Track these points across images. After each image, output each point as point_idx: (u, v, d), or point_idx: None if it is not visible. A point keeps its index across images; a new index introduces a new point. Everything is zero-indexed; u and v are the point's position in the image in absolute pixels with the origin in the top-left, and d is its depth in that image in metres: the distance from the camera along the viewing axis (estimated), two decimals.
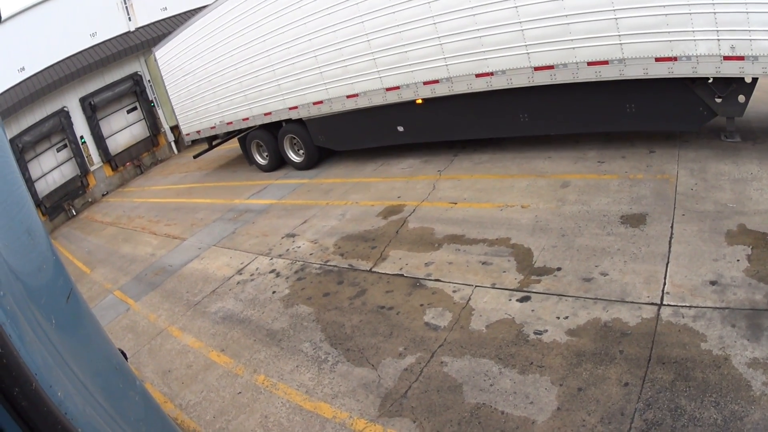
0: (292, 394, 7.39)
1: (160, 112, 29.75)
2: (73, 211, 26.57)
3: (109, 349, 3.12)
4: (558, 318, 7.34)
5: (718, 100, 10.53)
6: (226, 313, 9.94)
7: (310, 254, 11.11)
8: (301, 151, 16.94)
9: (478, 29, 11.45)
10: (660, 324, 6.79)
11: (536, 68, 11.29)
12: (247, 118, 17.44)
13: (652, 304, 7.15)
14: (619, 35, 10.27)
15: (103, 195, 27.82)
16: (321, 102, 14.85)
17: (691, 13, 9.63)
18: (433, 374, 6.95)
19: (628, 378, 6.22)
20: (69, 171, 27.05)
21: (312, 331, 8.53)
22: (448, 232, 10.28)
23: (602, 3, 10.18)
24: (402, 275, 9.31)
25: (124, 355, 7.16)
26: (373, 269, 9.81)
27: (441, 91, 12.57)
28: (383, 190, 13.42)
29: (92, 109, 27.31)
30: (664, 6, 9.79)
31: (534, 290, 8.05)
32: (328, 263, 10.53)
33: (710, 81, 10.39)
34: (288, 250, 11.68)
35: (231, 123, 18.23)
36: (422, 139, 14.22)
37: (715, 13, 9.46)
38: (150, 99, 29.54)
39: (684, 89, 10.60)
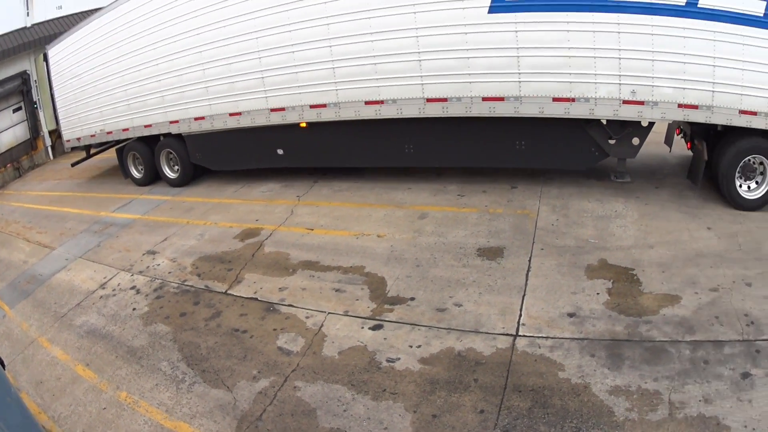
0: (153, 413, 7.71)
1: (41, 115, 29.77)
2: None
3: None
4: (411, 347, 7.89)
5: (612, 142, 11.76)
6: (90, 328, 10.23)
7: (169, 273, 11.55)
8: (177, 168, 17.09)
9: (374, 56, 12.14)
10: (515, 354, 7.54)
11: (429, 100, 12.05)
12: (128, 129, 17.34)
13: (507, 334, 7.93)
14: (519, 73, 11.26)
15: None
16: (203, 118, 15.11)
17: (595, 57, 10.80)
18: (287, 398, 7.43)
19: (483, 405, 6.85)
20: None
21: (170, 351, 8.92)
22: (304, 258, 10.92)
23: (507, 40, 11.15)
24: (256, 299, 9.86)
25: (2, 362, 7.04)
26: (229, 291, 10.33)
27: (327, 116, 13.11)
28: (242, 213, 14.06)
29: None
30: (569, 48, 10.91)
31: (387, 319, 8.61)
32: (185, 283, 10.98)
33: (605, 123, 11.60)
34: (148, 267, 12.08)
35: (111, 132, 18.08)
36: (302, 163, 14.90)
37: (620, 58, 10.69)
38: (34, 100, 29.59)
39: (577, 129, 11.72)
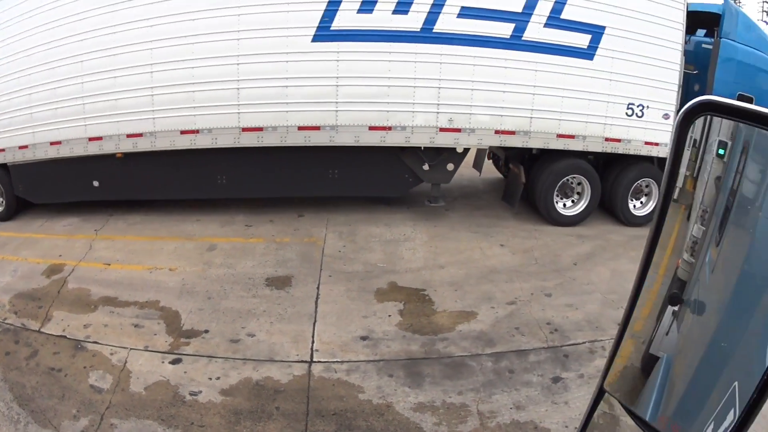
0: None
1: None
2: None
3: None
4: (210, 379, 7.79)
5: (426, 168, 12.03)
6: None
7: None
8: (1, 200, 15.11)
9: (193, 83, 11.55)
10: (313, 379, 7.50)
11: (245, 129, 11.73)
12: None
13: (302, 361, 7.89)
14: (337, 102, 11.31)
15: None
16: (26, 147, 13.72)
17: (415, 87, 11.14)
18: None
19: None
20: None
21: (2, 391, 8.47)
22: (103, 294, 10.64)
23: (328, 69, 11.21)
24: (65, 336, 9.49)
25: None
26: (42, 330, 9.89)
27: (143, 145, 12.28)
28: (48, 248, 13.51)
29: None
30: (389, 78, 11.17)
31: (184, 352, 8.48)
32: (5, 321, 10.44)
33: (422, 150, 11.84)
34: None
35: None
36: (117, 196, 13.80)
37: (440, 88, 11.11)
38: None
39: (391, 157, 11.93)
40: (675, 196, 1.89)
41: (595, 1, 11.45)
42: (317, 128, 11.47)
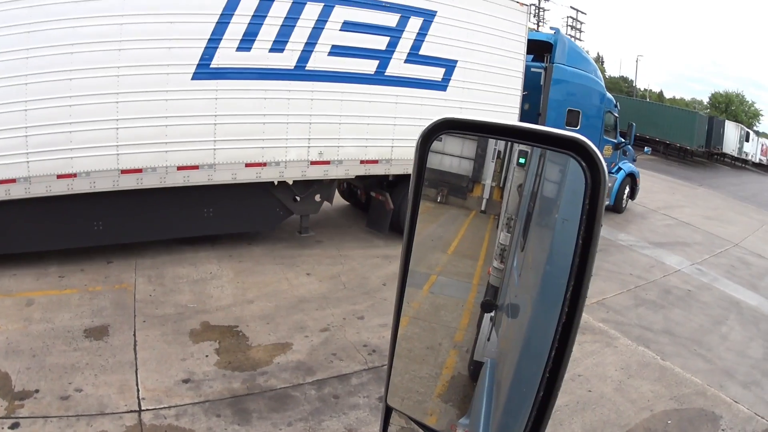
0: None
1: None
2: None
3: None
4: None
5: (296, 200, 12.32)
6: None
7: None
8: None
9: (71, 122, 10.73)
10: (144, 429, 7.28)
11: (124, 171, 11.09)
12: None
13: (132, 411, 7.65)
14: (215, 140, 11.18)
15: None
16: None
17: (288, 123, 11.39)
18: None
19: None
20: None
21: None
22: None
23: (207, 107, 11.10)
24: None
25: None
26: None
27: (17, 192, 11.05)
28: None
29: None
30: (264, 115, 11.27)
31: (21, 415, 7.98)
32: None
33: (291, 183, 12.06)
34: None
35: None
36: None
37: (310, 123, 11.55)
38: None
39: (262, 192, 12.00)
40: (483, 207, 1.99)
41: (449, 37, 12.66)
42: (196, 167, 11.36)
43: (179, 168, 11.31)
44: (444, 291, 2.23)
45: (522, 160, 1.86)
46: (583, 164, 1.48)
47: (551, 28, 18.50)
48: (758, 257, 18.20)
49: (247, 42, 11.34)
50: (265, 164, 11.70)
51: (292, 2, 11.50)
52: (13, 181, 10.88)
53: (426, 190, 1.92)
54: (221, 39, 11.17)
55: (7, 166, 10.81)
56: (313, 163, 11.96)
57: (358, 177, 12.99)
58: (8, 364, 9.15)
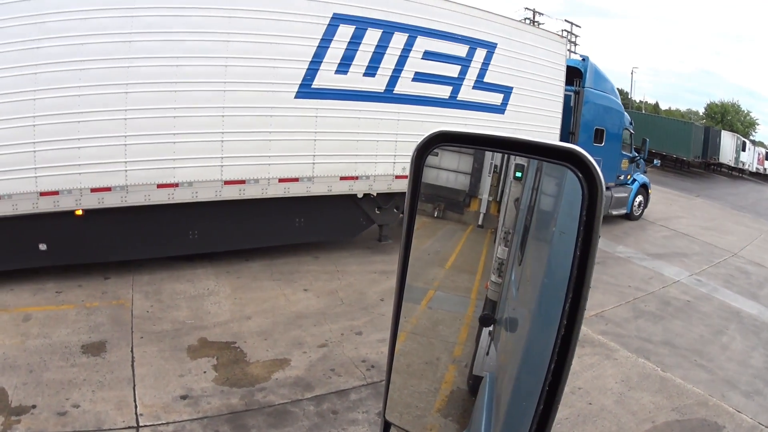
0: None
1: None
2: None
3: None
4: None
5: (378, 211, 13.17)
6: None
7: None
8: None
9: (174, 133, 11.18)
10: None
11: (227, 182, 11.52)
12: None
13: (130, 427, 7.62)
14: (314, 155, 11.86)
15: None
16: None
17: (378, 141, 12.38)
18: None
19: None
20: None
21: None
22: None
23: (308, 124, 11.88)
24: None
25: None
26: None
27: (112, 201, 11.41)
28: None
29: None
30: (358, 133, 12.18)
31: (17, 431, 7.98)
32: None
33: (375, 195, 12.87)
34: None
35: None
36: (68, 260, 12.42)
37: (396, 141, 12.61)
38: None
39: (350, 203, 12.72)
40: (480, 222, 2.00)
41: (506, 66, 13.97)
42: (296, 180, 12.02)
43: (280, 180, 12.04)
44: (442, 306, 2.23)
45: (519, 174, 1.88)
46: (580, 175, 1.48)
47: (581, 56, 20.06)
48: (757, 266, 18.26)
49: (344, 66, 12.19)
50: (357, 178, 12.57)
51: (382, 31, 12.35)
52: (108, 189, 11.22)
53: (423, 205, 1.93)
54: (321, 62, 11.98)
55: (104, 174, 11.23)
56: (397, 177, 12.97)
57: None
58: (5, 380, 9.14)
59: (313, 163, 12.29)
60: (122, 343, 9.78)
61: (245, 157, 11.80)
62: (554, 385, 1.58)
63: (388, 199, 13.54)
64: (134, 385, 8.55)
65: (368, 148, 12.67)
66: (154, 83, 11.04)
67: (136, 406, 8.06)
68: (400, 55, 12.71)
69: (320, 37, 12.00)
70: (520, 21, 16.24)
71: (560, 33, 16.52)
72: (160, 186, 11.41)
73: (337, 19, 12.03)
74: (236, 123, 11.59)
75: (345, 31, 12.14)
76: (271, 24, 11.62)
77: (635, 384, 9.23)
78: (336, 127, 12.33)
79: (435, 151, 1.91)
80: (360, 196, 13.00)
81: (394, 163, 13.00)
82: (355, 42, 12.25)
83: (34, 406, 8.42)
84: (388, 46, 12.56)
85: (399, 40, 12.63)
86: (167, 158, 11.36)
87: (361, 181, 12.75)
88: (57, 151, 10.96)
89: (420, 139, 1.92)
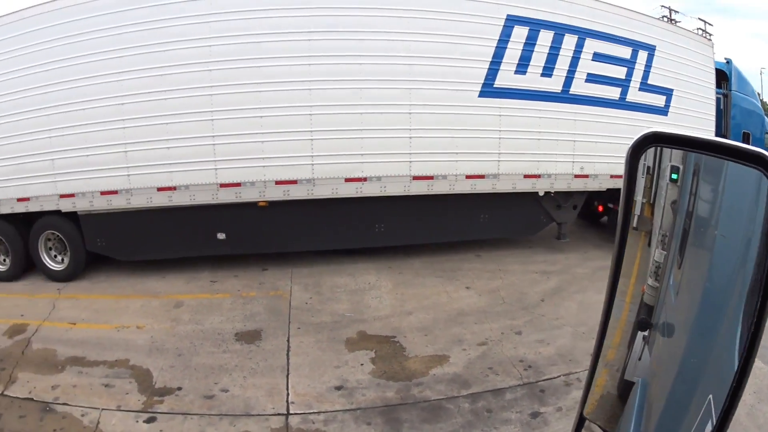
0: None
1: None
2: None
3: None
4: None
5: (558, 210, 13.35)
6: None
7: None
8: (63, 257, 13.87)
9: (361, 129, 11.90)
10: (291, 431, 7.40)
11: (415, 177, 12.09)
12: None
13: (279, 414, 7.77)
14: (499, 153, 12.25)
15: None
16: (115, 192, 12.54)
17: (557, 140, 12.51)
18: None
19: None
20: None
21: None
22: (70, 354, 10.22)
23: (492, 123, 12.22)
24: (32, 399, 9.20)
25: None
26: (5, 392, 9.56)
27: (297, 193, 12.04)
28: (7, 307, 13.10)
29: None
30: (539, 132, 12.52)
31: (159, 411, 8.28)
32: None
33: (553, 194, 13.10)
34: None
35: None
36: (248, 249, 13.26)
37: (574, 141, 12.74)
38: None
39: (532, 201, 12.99)
40: (634, 224, 1.96)
41: (665, 68, 13.88)
42: (482, 176, 12.37)
43: (467, 177, 12.29)
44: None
45: (674, 176, 1.83)
46: None
47: (725, 58, 19.35)
48: None
49: (522, 66, 12.38)
50: (539, 176, 12.69)
51: (554, 33, 12.49)
52: (293, 182, 11.95)
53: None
54: (501, 62, 12.20)
55: (287, 167, 11.97)
56: (576, 176, 13.01)
57: (609, 190, 13.75)
58: (151, 362, 9.57)
59: (498, 161, 12.41)
60: (278, 332, 10.01)
61: (433, 153, 12.08)
62: (733, 395, 1.57)
63: (566, 197, 13.51)
64: (288, 374, 8.73)
65: (549, 147, 12.68)
66: (338, 80, 11.63)
67: (287, 394, 8.23)
68: (572, 57, 12.67)
69: (497, 38, 12.12)
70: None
71: (695, 31, 16.00)
72: (348, 180, 11.93)
73: (511, 21, 12.09)
74: (423, 120, 11.91)
75: (519, 32, 12.21)
76: (451, 25, 11.85)
77: (765, 396, 8.74)
78: (519, 125, 12.40)
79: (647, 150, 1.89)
80: (541, 194, 13.03)
81: (573, 162, 12.97)
82: (530, 43, 12.31)
83: (179, 388, 8.74)
84: (560, 48, 12.54)
85: (569, 41, 12.61)
86: (355, 153, 11.86)
87: (543, 180, 12.78)
88: (239, 144, 11.72)
89: (631, 141, 1.91)
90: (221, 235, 12.79)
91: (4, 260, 14.55)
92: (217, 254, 13.27)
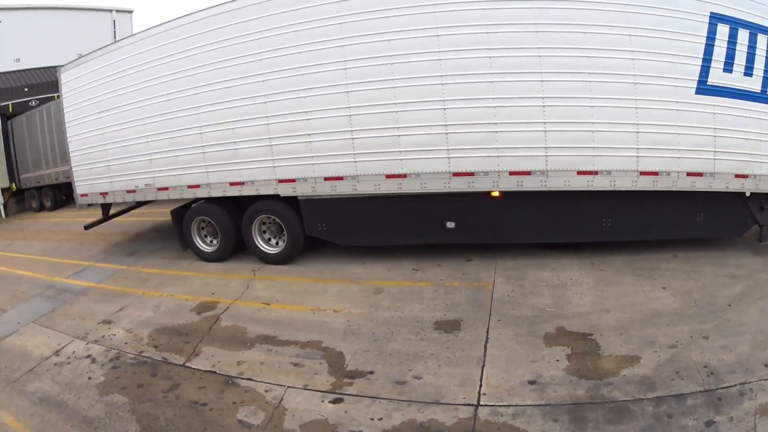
0: None
1: None
2: None
3: None
4: (372, 419, 7.85)
5: (761, 211, 12.98)
6: (44, 395, 9.97)
7: (125, 343, 11.42)
8: (277, 240, 14.92)
9: (592, 122, 11.99)
10: (478, 423, 7.67)
11: (642, 173, 12.28)
12: (198, 186, 14.84)
13: (469, 404, 8.05)
14: (715, 151, 12.21)
15: None
16: (340, 178, 13.06)
17: (761, 141, 12.25)
18: None
19: None
20: None
21: (128, 422, 8.74)
22: (261, 332, 10.96)
23: (706, 121, 12.15)
24: (215, 372, 9.81)
25: None
26: (186, 364, 10.25)
27: (530, 184, 12.19)
28: (198, 285, 13.97)
29: None
30: (746, 131, 12.21)
31: (347, 392, 8.57)
32: (142, 354, 10.87)
33: (758, 195, 12.79)
34: (104, 336, 11.80)
35: (166, 189, 15.52)
36: (477, 240, 13.39)
37: (761, 141, 12.29)
38: None
39: (739, 201, 12.81)
40: None
41: None
42: (700, 175, 12.33)
43: (687, 174, 12.23)
44: None
45: None
46: None
47: None
48: None
49: (728, 65, 12.07)
50: (747, 176, 12.34)
51: (749, 32, 12.10)
52: (528, 173, 12.23)
53: None
54: (711, 59, 11.97)
55: (517, 158, 12.24)
56: None
57: None
58: (344, 345, 10.11)
59: (714, 159, 12.16)
60: (478, 323, 10.29)
61: (658, 149, 12.09)
62: None
63: None
64: (483, 365, 8.98)
65: (755, 148, 12.29)
66: (570, 73, 11.88)
67: (480, 385, 8.47)
68: (766, 57, 12.16)
69: (705, 35, 11.88)
70: None
71: None
72: (579, 173, 12.08)
73: (715, 18, 11.81)
74: (650, 116, 11.92)
75: (722, 31, 11.88)
76: (666, 21, 11.79)
77: None
78: (729, 124, 12.09)
79: None
80: (748, 194, 12.60)
81: None
82: (732, 42, 11.94)
83: (371, 372, 9.15)
84: (755, 47, 12.09)
85: (762, 41, 12.13)
86: (587, 146, 12.00)
87: (750, 180, 12.35)
88: (472, 134, 12.20)
89: None
90: (450, 224, 13.06)
91: (212, 241, 16.00)
92: (443, 243, 13.55)
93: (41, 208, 32.64)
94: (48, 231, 25.06)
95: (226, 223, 15.43)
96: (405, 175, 12.50)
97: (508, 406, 7.98)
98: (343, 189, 13.10)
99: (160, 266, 16.60)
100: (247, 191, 14.23)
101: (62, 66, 18.37)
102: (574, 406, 7.82)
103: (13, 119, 33.11)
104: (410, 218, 13.24)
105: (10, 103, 32.79)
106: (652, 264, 12.15)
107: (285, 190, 13.77)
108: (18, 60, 32.96)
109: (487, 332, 10.06)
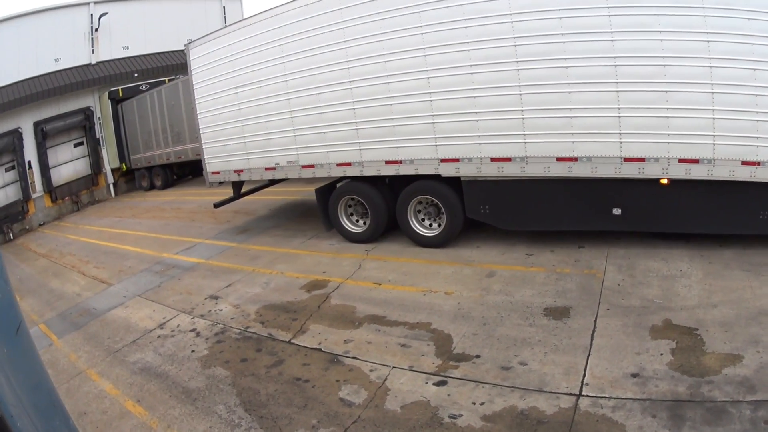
0: None
1: (104, 152, 34.79)
2: (11, 235, 30.00)
3: (49, 385, 3.42)
4: (474, 404, 8.06)
5: None
6: (145, 365, 10.81)
7: (231, 318, 12.19)
8: (431, 222, 14.97)
9: (755, 111, 11.44)
10: (578, 413, 7.87)
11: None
12: (349, 164, 15.04)
13: (571, 394, 8.00)
14: None
15: (40, 225, 31.62)
16: (508, 159, 12.95)
17: None
18: None
19: None
20: (13, 193, 30.82)
21: (227, 395, 9.32)
22: (370, 312, 11.43)
23: None
24: (320, 350, 10.31)
25: None
26: (292, 341, 10.84)
27: (698, 173, 11.88)
28: (309, 264, 14.69)
29: (43, 136, 31.28)
30: None
31: (451, 375, 8.83)
32: (248, 329, 11.58)
33: None
34: (210, 311, 12.78)
35: (312, 167, 15.83)
36: (644, 228, 13.16)
37: None
38: (97, 136, 34.29)
39: None
40: None
41: None
42: None
43: None
44: None
45: None
46: None
47: None
48: None
49: None
50: None
51: None
52: (696, 161, 12.01)
53: None
54: None
55: (691, 146, 11.98)
56: None
57: None
58: (453, 327, 10.47)
59: None
60: (587, 311, 10.44)
61: None
62: None
63: None
64: (588, 355, 9.14)
65: None
66: (733, 59, 11.46)
67: (584, 375, 8.64)
68: None
69: None
70: None
71: None
72: (744, 163, 11.70)
73: None
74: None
75: None
76: None
77: None
78: None
79: None
80: None
81: None
82: None
83: (477, 356, 9.48)
84: None
85: None
86: (751, 135, 11.56)
87: None
88: (645, 119, 11.97)
89: None
90: (617, 211, 12.84)
91: (358, 221, 16.29)
92: (609, 230, 13.27)
93: (151, 187, 35.05)
94: (157, 209, 26.51)
95: (378, 203, 15.50)
96: (576, 159, 12.35)
97: (609, 398, 8.13)
98: (511, 171, 12.99)
99: (271, 244, 17.45)
100: (404, 170, 14.27)
101: (191, 42, 19.18)
102: (674, 403, 7.86)
103: (124, 103, 35.46)
104: (577, 203, 13.07)
105: (120, 87, 35.12)
106: (761, 259, 11.86)
107: (447, 170, 13.73)
108: (127, 48, 35.45)
109: (595, 321, 10.21)
